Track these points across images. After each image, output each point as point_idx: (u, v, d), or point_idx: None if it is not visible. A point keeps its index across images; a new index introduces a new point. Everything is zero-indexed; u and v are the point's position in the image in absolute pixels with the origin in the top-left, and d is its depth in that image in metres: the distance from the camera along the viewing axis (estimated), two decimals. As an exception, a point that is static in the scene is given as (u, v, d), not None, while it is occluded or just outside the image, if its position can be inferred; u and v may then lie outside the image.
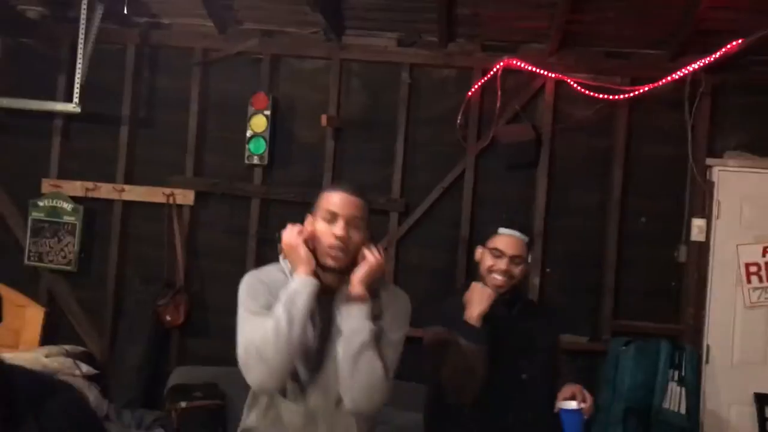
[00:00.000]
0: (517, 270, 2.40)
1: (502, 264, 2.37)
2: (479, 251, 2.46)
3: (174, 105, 4.25)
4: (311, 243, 1.90)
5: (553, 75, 4.06)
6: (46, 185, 4.20)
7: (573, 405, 2.23)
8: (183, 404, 3.74)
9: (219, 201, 4.23)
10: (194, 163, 4.22)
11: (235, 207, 4.22)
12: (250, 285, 1.96)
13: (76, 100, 3.80)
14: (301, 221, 3.82)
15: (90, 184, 4.17)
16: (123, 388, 3.98)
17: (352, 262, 1.89)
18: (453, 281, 4.07)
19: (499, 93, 4.07)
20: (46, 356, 3.78)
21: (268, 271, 1.97)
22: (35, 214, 4.16)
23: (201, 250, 4.25)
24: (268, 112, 4.11)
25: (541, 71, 4.06)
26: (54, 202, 4.16)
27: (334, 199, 1.91)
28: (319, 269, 1.88)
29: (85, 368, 3.89)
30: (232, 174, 4.22)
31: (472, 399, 2.26)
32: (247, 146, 4.13)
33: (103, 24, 4.04)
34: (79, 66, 3.79)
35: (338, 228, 1.88)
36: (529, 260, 2.48)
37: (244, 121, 4.15)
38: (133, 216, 4.25)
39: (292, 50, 4.24)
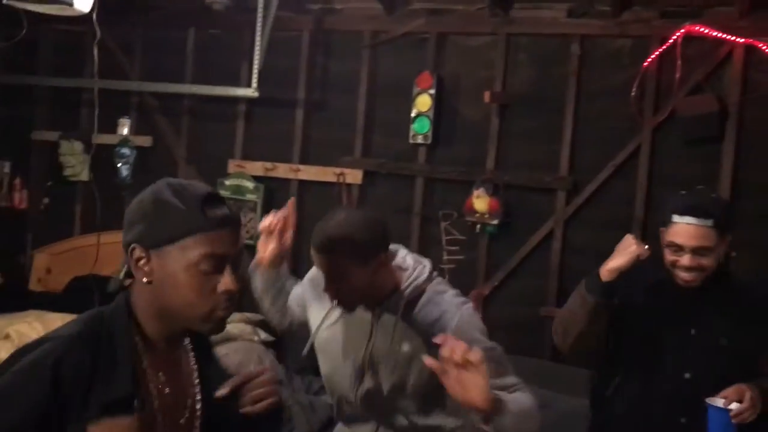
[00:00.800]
0: (706, 261, 1.95)
1: (684, 260, 1.95)
2: (662, 235, 2.06)
3: (345, 88, 4.31)
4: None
5: (743, 40, 3.57)
6: (232, 165, 4.43)
7: (720, 402, 1.87)
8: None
9: (385, 180, 4.22)
10: (362, 143, 4.25)
11: (400, 186, 4.19)
12: None
13: (254, 85, 3.94)
14: (463, 200, 3.70)
15: (269, 164, 4.34)
16: (297, 354, 4.09)
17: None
18: (624, 264, 3.74)
19: (679, 63, 3.66)
20: (228, 322, 3.98)
21: None
22: (222, 192, 4.40)
23: (369, 228, 4.26)
24: (432, 91, 4.02)
25: (729, 37, 3.59)
26: (238, 181, 4.38)
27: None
28: None
29: (263, 335, 4.07)
30: (397, 153, 4.19)
31: (568, 349, 2.11)
32: (411, 126, 4.06)
33: (280, 12, 4.14)
34: (257, 53, 3.90)
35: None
36: (728, 239, 2.00)
37: (409, 100, 4.08)
38: (308, 194, 4.36)
39: (458, 28, 4.12)
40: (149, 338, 1.28)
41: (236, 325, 4.02)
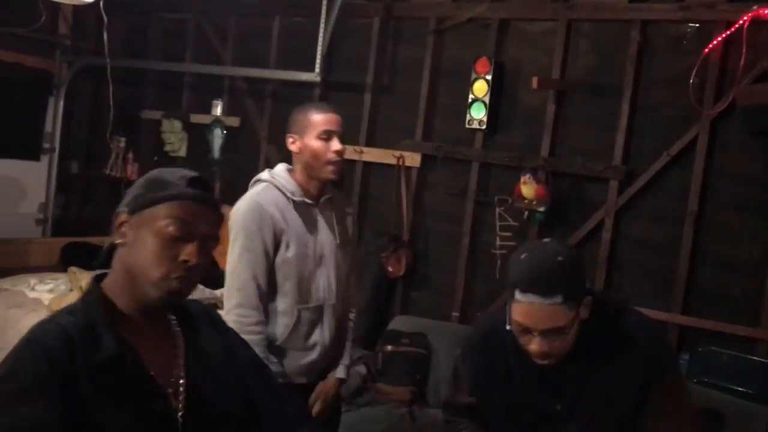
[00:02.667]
0: (560, 343, 1.59)
1: (534, 345, 1.59)
2: (507, 306, 1.65)
3: (410, 72, 4.38)
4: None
5: (815, 25, 3.27)
6: (305, 145, 4.62)
7: None
8: (389, 347, 3.90)
9: (443, 164, 4.26)
10: (423, 127, 4.31)
11: (456, 170, 4.22)
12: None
13: (317, 69, 4.10)
14: (513, 185, 3.68)
15: (336, 145, 4.48)
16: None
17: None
18: (677, 258, 3.57)
19: (744, 49, 3.40)
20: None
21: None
22: (295, 170, 4.62)
23: (426, 209, 4.35)
24: (489, 77, 4.00)
25: (800, 21, 3.30)
26: (309, 160, 4.56)
27: (329, 119, 2.24)
28: (306, 180, 2.27)
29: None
30: (455, 138, 4.21)
31: None
32: (468, 110, 4.06)
33: (353, 0, 4.29)
34: (321, 39, 4.07)
35: (336, 144, 2.23)
36: (583, 305, 1.62)
37: (469, 86, 4.08)
38: (371, 175, 4.49)
39: (521, 13, 4.06)
40: (123, 312, 1.27)
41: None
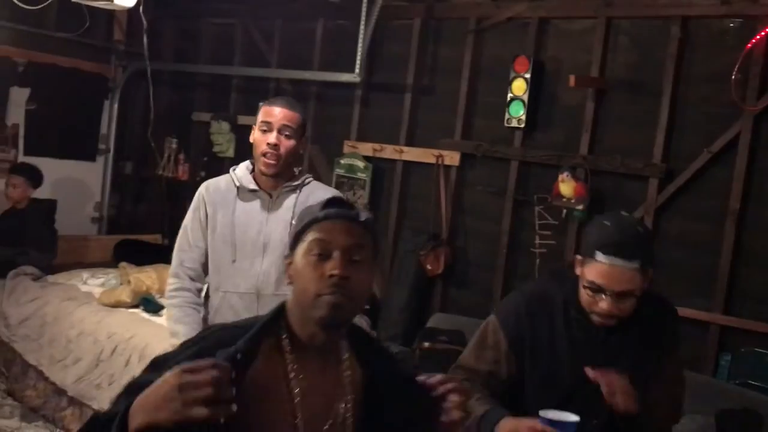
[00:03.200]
0: (627, 305, 1.73)
1: (604, 304, 1.71)
2: (577, 264, 1.80)
3: (450, 72, 4.40)
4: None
5: None
6: (347, 146, 4.71)
7: (572, 417, 1.62)
8: (426, 344, 3.93)
9: (482, 162, 4.28)
10: (462, 126, 4.33)
11: (495, 168, 4.23)
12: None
13: (357, 70, 4.17)
14: (552, 183, 3.67)
15: (377, 146, 4.56)
16: (389, 324, 4.33)
17: (285, 167, 2.27)
18: (718, 257, 3.51)
19: (789, 44, 3.33)
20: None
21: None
22: (338, 171, 4.72)
23: (466, 208, 4.36)
24: (528, 75, 4.00)
25: None
26: (351, 160, 4.65)
27: (270, 111, 2.26)
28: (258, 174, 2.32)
29: (357, 302, 4.32)
30: (495, 137, 4.22)
31: None
32: (507, 109, 4.07)
33: (395, 2, 4.34)
34: (360, 40, 4.14)
35: (271, 136, 2.21)
36: (649, 276, 1.76)
37: (508, 85, 4.09)
38: (411, 174, 4.53)
39: (560, 12, 4.05)
40: (298, 341, 1.30)
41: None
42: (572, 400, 1.76)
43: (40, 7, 4.07)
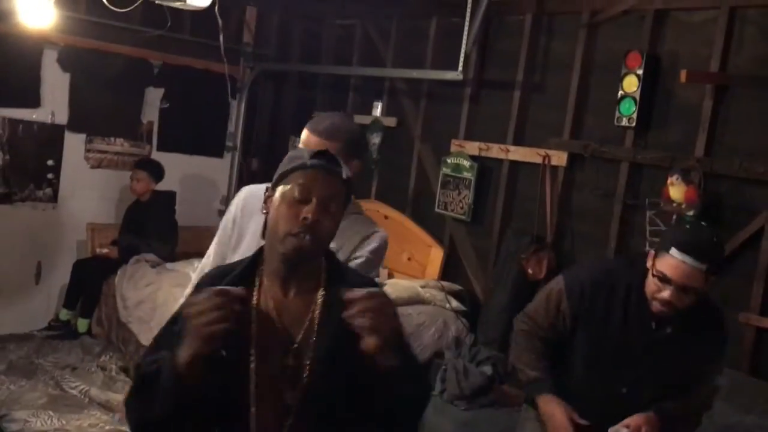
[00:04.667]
0: (686, 300, 1.96)
1: (666, 293, 1.95)
2: (650, 258, 2.05)
3: (561, 69, 4.23)
4: None
5: None
6: (454, 145, 4.65)
7: None
8: (519, 351, 3.78)
9: (591, 163, 4.06)
10: (572, 125, 4.14)
11: (604, 169, 4.00)
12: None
13: (460, 68, 4.10)
14: (664, 187, 3.42)
15: (483, 145, 4.47)
16: (487, 327, 4.23)
17: None
18: None
19: None
20: (422, 287, 4.27)
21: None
22: (444, 170, 4.67)
23: (573, 211, 4.17)
24: (640, 71, 3.75)
25: None
26: (457, 159, 4.59)
27: (308, 140, 2.19)
28: None
29: (454, 303, 4.27)
30: (605, 136, 4.00)
31: None
32: (617, 107, 3.84)
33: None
34: (465, 37, 4.07)
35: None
36: (711, 281, 2.00)
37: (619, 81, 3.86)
38: (518, 174, 4.40)
39: (679, 3, 3.76)
40: (269, 273, 1.45)
41: (430, 290, 4.27)
42: (610, 368, 2.08)
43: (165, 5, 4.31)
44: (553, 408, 2.10)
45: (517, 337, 2.30)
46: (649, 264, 2.03)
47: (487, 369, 3.73)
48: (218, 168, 5.69)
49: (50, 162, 4.89)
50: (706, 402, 2.24)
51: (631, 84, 3.79)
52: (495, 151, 4.45)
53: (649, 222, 3.79)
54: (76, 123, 4.96)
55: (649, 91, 3.77)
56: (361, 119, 5.29)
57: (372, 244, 2.07)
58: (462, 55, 4.14)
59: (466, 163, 4.56)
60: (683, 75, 3.45)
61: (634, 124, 3.80)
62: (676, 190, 3.53)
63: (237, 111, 5.72)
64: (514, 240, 4.26)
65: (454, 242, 4.72)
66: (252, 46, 5.68)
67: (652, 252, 2.05)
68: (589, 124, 4.12)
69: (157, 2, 2.42)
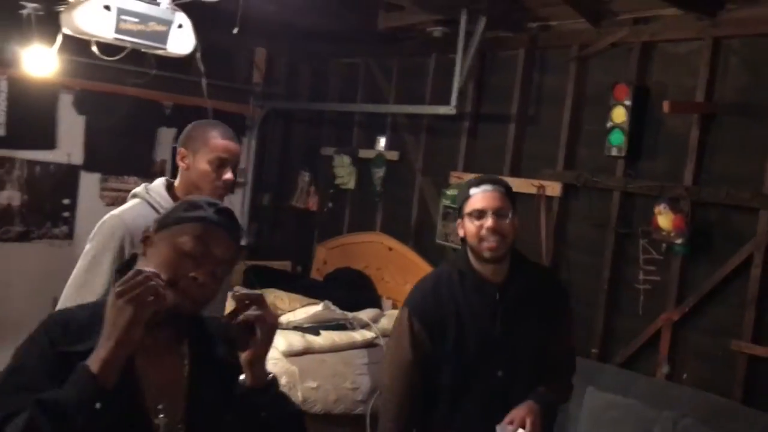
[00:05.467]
0: (506, 225, 2.13)
1: (489, 221, 2.09)
2: (459, 225, 2.20)
3: (554, 101, 4.32)
4: None
5: None
6: (453, 177, 4.74)
7: (508, 429, 2.00)
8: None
9: (585, 193, 4.12)
10: (565, 156, 4.21)
11: (597, 199, 4.06)
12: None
13: (452, 103, 4.21)
14: (652, 212, 3.46)
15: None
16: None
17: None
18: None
19: None
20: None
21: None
22: (444, 201, 4.76)
23: (568, 240, 4.22)
24: (628, 102, 3.82)
25: None
26: (456, 191, 4.66)
27: (227, 147, 2.26)
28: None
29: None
30: (597, 166, 4.07)
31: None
32: (607, 138, 3.91)
33: (500, 33, 4.38)
34: (456, 73, 4.18)
35: (228, 173, 2.26)
36: (516, 219, 2.23)
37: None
38: (517, 204, 4.45)
39: (665, 35, 3.84)
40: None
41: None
42: (480, 358, 2.13)
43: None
44: None
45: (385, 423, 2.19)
46: (461, 232, 2.18)
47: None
48: (230, 203, 5.83)
49: (66, 201, 5.08)
50: (571, 369, 2.35)
51: (619, 115, 3.86)
52: (492, 182, 4.51)
53: (642, 251, 3.82)
54: (91, 163, 5.16)
55: (637, 121, 3.83)
56: (365, 153, 5.43)
57: None
58: (454, 90, 4.25)
59: (465, 195, 4.63)
60: (666, 105, 3.52)
61: (623, 154, 3.86)
62: (664, 219, 3.57)
63: (248, 148, 5.89)
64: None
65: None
66: (262, 85, 5.87)
67: (459, 220, 2.20)
68: (582, 154, 4.18)
69: (142, 50, 2.57)
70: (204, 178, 2.13)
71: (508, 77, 4.55)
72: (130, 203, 2.15)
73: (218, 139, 2.16)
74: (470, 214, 2.13)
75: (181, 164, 2.17)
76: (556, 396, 2.23)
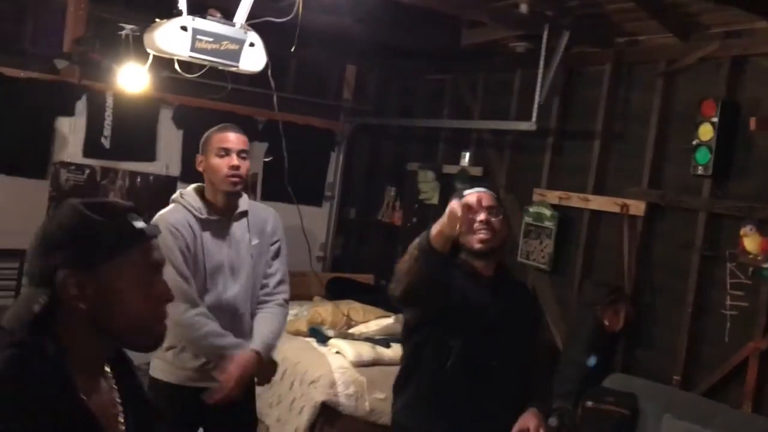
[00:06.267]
0: (497, 221, 2.27)
1: (482, 215, 2.23)
2: (454, 206, 2.05)
3: (639, 117, 4.23)
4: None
5: None
6: (536, 194, 4.71)
7: None
8: (590, 403, 3.77)
9: (671, 213, 4.00)
10: (650, 174, 4.11)
11: (683, 219, 3.93)
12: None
13: (534, 119, 4.20)
14: (737, 236, 3.37)
15: (563, 194, 4.50)
16: (563, 379, 4.19)
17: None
18: None
19: None
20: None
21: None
22: (527, 218, 4.73)
23: (653, 262, 4.10)
24: (715, 119, 3.69)
25: None
26: (539, 208, 4.64)
27: (224, 138, 2.55)
28: (213, 196, 2.61)
29: (529, 353, 4.26)
30: (683, 185, 3.95)
31: (400, 294, 2.17)
32: (693, 156, 3.78)
33: (587, 48, 4.35)
34: (537, 89, 4.17)
35: (233, 159, 2.58)
36: (507, 224, 2.40)
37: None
38: (599, 224, 4.38)
39: (757, 48, 3.69)
40: (76, 367, 1.13)
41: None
42: (476, 342, 2.22)
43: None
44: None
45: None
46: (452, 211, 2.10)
47: (552, 421, 3.70)
48: (317, 216, 6.02)
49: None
50: (550, 371, 2.69)
51: (706, 132, 3.73)
52: (575, 200, 4.46)
53: (729, 274, 3.67)
54: (187, 175, 5.45)
55: (726, 139, 3.69)
56: (449, 169, 5.47)
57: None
58: (535, 106, 4.23)
59: (548, 213, 4.59)
60: (752, 122, 3.37)
61: (710, 173, 3.72)
62: (751, 242, 3.42)
63: (336, 163, 6.06)
64: (592, 290, 4.22)
65: (536, 292, 4.72)
66: (351, 101, 6.03)
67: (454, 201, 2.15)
68: (668, 172, 4.06)
69: (219, 68, 2.75)
70: (215, 173, 2.48)
71: (593, 93, 4.48)
72: (168, 208, 2.55)
73: (218, 134, 2.52)
74: (465, 211, 2.09)
75: (200, 169, 2.57)
76: (550, 401, 2.49)
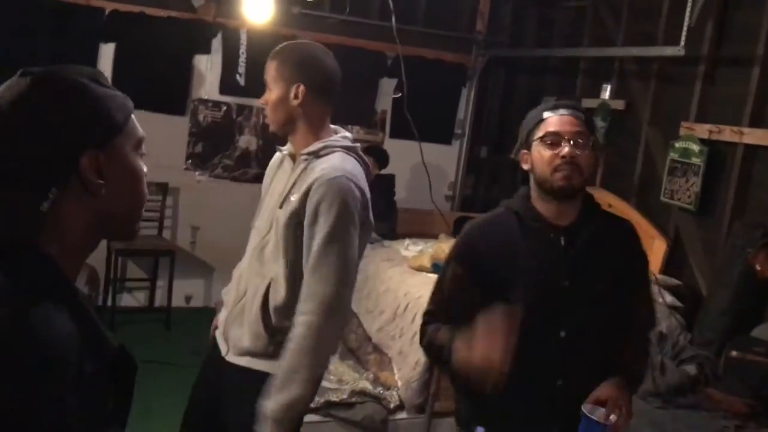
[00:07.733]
0: (584, 155, 1.80)
1: (565, 149, 1.78)
2: (524, 156, 1.89)
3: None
4: None
5: None
6: (683, 128, 4.36)
7: (601, 414, 1.68)
8: (734, 353, 3.50)
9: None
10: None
11: None
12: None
13: (682, 43, 3.85)
14: None
15: (714, 127, 4.13)
16: (705, 327, 3.93)
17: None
18: None
19: None
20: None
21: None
22: (671, 155, 4.40)
23: (817, 202, 3.68)
24: None
25: None
26: (686, 143, 4.30)
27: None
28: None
29: (669, 299, 4.03)
30: None
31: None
32: None
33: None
34: (688, 9, 3.81)
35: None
36: (594, 153, 1.88)
37: None
38: (753, 160, 4.00)
39: None
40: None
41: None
42: (540, 315, 1.78)
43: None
44: (465, 341, 1.67)
45: (422, 338, 1.96)
46: (526, 165, 1.89)
47: (690, 368, 3.47)
48: (447, 155, 5.93)
49: (295, 146, 5.50)
50: (651, 325, 2.07)
51: None
52: (727, 134, 4.07)
53: None
54: (318, 111, 5.51)
55: None
56: (588, 103, 5.17)
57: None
58: (684, 29, 3.86)
59: (696, 148, 4.23)
60: None
61: None
62: None
63: (467, 98, 5.90)
64: (744, 233, 3.87)
65: (680, 234, 4.41)
66: (484, 34, 5.82)
67: (524, 151, 1.90)
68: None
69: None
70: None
71: (753, 14, 4.02)
72: (346, 157, 2.05)
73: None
74: (543, 139, 1.81)
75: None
76: (640, 366, 1.96)
